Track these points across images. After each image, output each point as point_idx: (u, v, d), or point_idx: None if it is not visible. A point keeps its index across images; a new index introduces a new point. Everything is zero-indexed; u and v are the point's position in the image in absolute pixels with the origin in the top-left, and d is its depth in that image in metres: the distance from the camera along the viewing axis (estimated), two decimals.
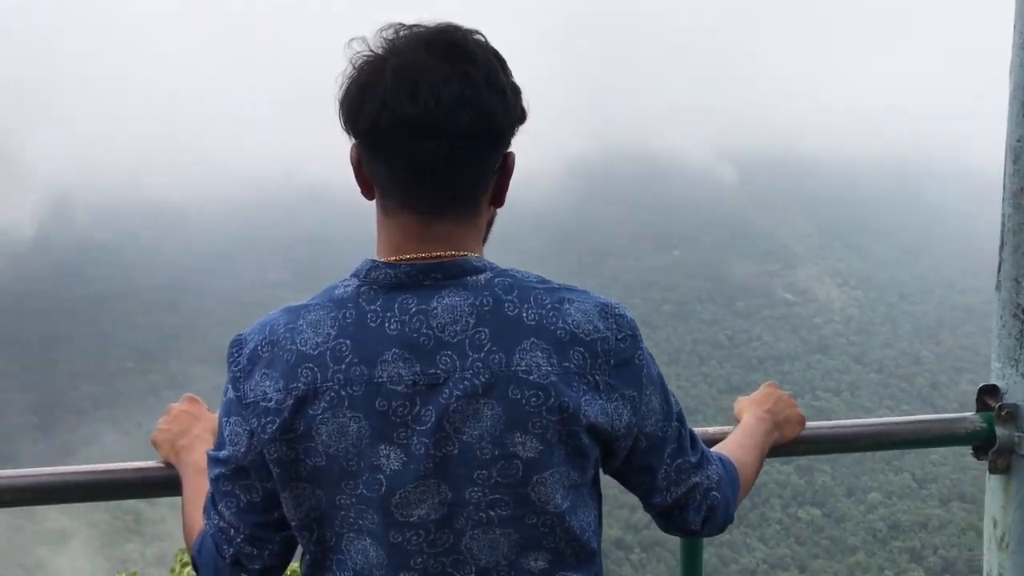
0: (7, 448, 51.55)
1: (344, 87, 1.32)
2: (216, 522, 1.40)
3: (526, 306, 1.31)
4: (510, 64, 1.36)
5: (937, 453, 48.00)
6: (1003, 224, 1.90)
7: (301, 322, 1.32)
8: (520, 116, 1.36)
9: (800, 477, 48.88)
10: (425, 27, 1.32)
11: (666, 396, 1.42)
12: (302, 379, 1.29)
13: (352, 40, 1.32)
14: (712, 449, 1.57)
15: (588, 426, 1.31)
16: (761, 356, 64.84)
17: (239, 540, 1.39)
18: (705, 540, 1.86)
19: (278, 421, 1.30)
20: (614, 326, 1.34)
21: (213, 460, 1.40)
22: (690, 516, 1.47)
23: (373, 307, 1.31)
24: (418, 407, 1.28)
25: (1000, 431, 1.91)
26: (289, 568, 1.48)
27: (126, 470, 1.73)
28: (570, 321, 1.32)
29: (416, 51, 1.28)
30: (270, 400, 1.30)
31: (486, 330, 1.29)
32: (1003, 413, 1.90)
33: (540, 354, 1.29)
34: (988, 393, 1.95)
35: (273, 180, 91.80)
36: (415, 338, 1.29)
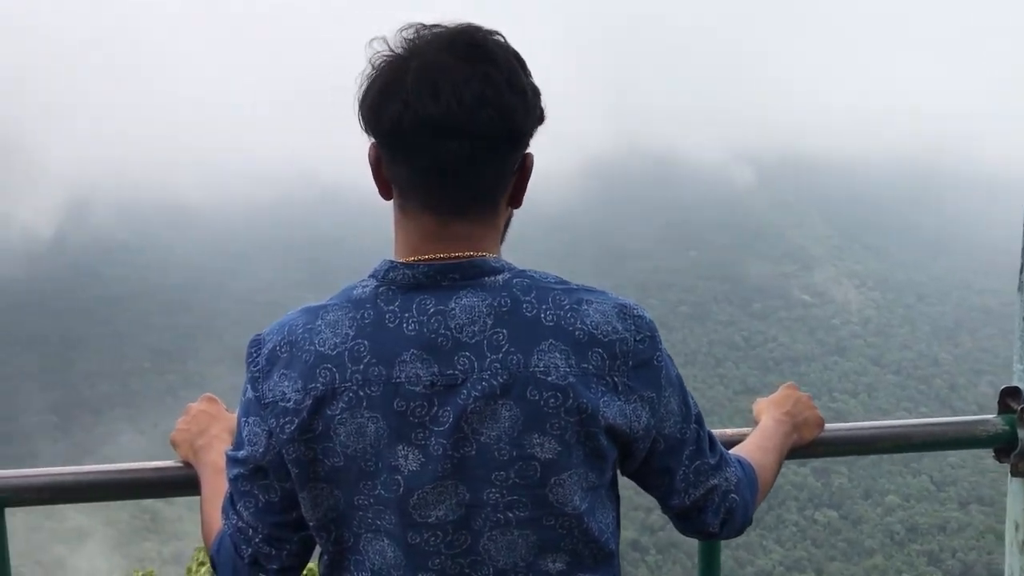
0: (27, 447, 52.00)
1: (364, 87, 1.32)
2: (235, 522, 1.40)
3: (544, 307, 1.31)
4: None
5: (956, 456, 47.74)
6: None
7: (319, 322, 1.32)
8: (539, 117, 1.35)
9: (817, 479, 48.69)
10: (446, 28, 1.32)
11: (685, 398, 1.42)
12: (320, 379, 1.29)
13: (372, 40, 1.32)
14: (731, 451, 1.56)
15: (606, 427, 1.31)
16: (778, 357, 64.60)
17: (257, 540, 1.39)
18: (722, 542, 1.85)
19: (296, 421, 1.30)
20: (633, 327, 1.34)
21: (232, 460, 1.40)
22: (708, 518, 1.47)
23: (391, 308, 1.31)
24: (436, 408, 1.28)
25: (1022, 433, 1.89)
26: (306, 568, 1.49)
27: (145, 469, 1.74)
28: (588, 322, 1.31)
29: (438, 52, 1.28)
30: (289, 400, 1.31)
31: (504, 331, 1.29)
32: None
33: (558, 355, 1.29)
34: (1010, 395, 1.93)
35: (290, 180, 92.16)
36: (433, 339, 1.29)
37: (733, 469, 1.49)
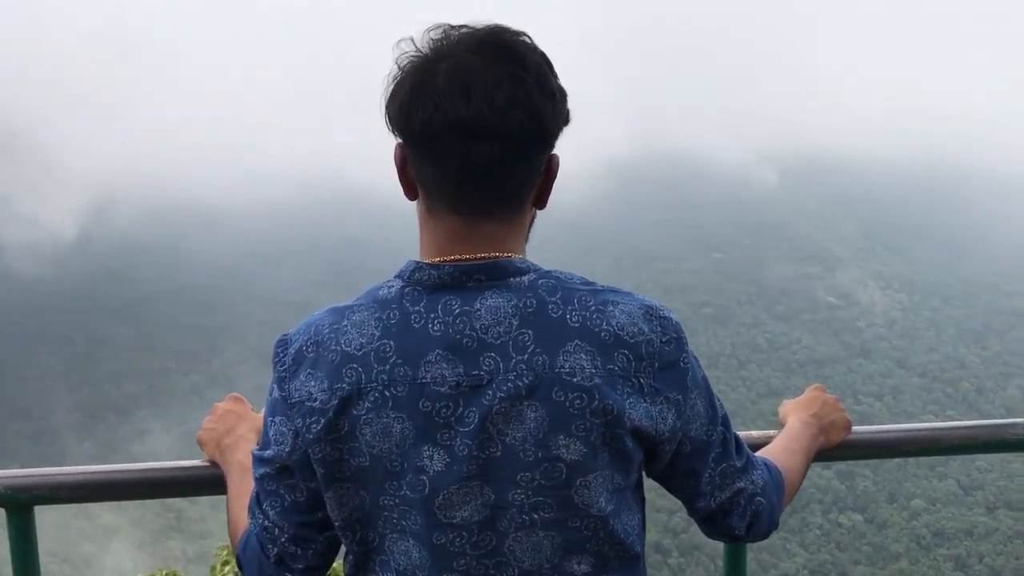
0: (54, 446, 52.55)
1: (392, 88, 1.32)
2: (261, 521, 1.41)
3: (570, 308, 1.31)
4: None
5: (983, 459, 47.23)
6: None
7: (345, 323, 1.33)
8: (566, 118, 1.35)
9: (841, 482, 48.30)
10: (474, 29, 1.32)
11: (711, 400, 1.41)
12: (347, 379, 1.30)
13: (400, 41, 1.32)
14: (757, 454, 1.55)
15: (632, 429, 1.30)
16: (801, 360, 64.13)
17: (283, 540, 1.40)
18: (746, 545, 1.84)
19: (323, 421, 1.31)
20: (659, 328, 1.33)
21: (258, 459, 1.41)
22: (734, 521, 1.46)
23: (417, 308, 1.31)
24: (461, 408, 1.28)
25: None
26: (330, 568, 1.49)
27: (173, 468, 1.75)
28: (614, 323, 1.31)
29: (467, 53, 1.28)
30: (315, 400, 1.31)
31: (530, 332, 1.29)
32: None
33: (584, 356, 1.28)
34: None
35: (315, 181, 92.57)
36: (458, 339, 1.29)
37: (759, 472, 1.48)
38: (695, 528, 1.53)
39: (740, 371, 61.87)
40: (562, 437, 1.28)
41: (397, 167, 1.37)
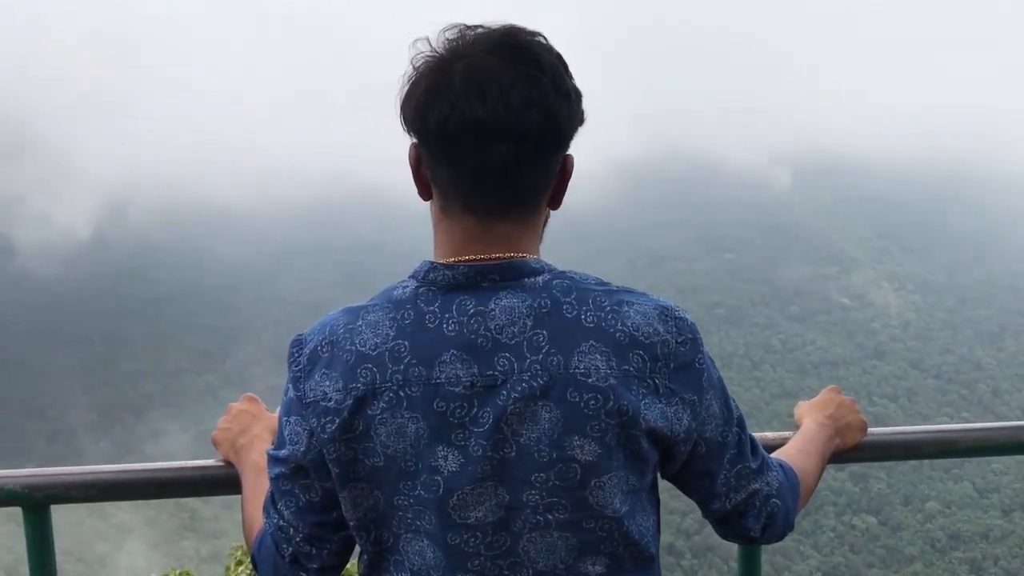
0: (70, 445, 52.88)
1: (408, 88, 1.32)
2: (276, 521, 1.41)
3: (585, 308, 1.30)
4: None
5: (999, 462, 46.94)
6: None
7: (360, 323, 1.33)
8: (581, 119, 1.35)
9: (855, 484, 48.09)
10: (489, 29, 1.32)
11: (727, 401, 1.41)
12: (361, 379, 1.30)
13: (416, 40, 1.32)
14: (772, 455, 1.55)
15: (647, 430, 1.30)
16: (815, 361, 63.90)
17: (298, 539, 1.40)
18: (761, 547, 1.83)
19: (338, 421, 1.31)
20: (674, 329, 1.33)
21: (273, 459, 1.41)
22: (749, 523, 1.46)
23: (431, 308, 1.31)
24: (476, 409, 1.28)
25: None
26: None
27: (188, 468, 1.76)
28: (629, 324, 1.30)
29: (483, 54, 1.28)
30: (330, 400, 1.31)
31: (544, 332, 1.29)
32: None
33: (599, 357, 1.28)
34: None
35: (328, 182, 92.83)
36: (473, 339, 1.29)
37: (775, 473, 1.48)
38: (708, 530, 1.53)
39: (753, 372, 61.70)
40: (577, 438, 1.28)
41: (411, 167, 1.37)
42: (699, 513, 1.48)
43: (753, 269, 75.47)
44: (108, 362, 63.08)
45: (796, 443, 1.67)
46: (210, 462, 1.75)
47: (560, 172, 1.37)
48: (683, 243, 79.41)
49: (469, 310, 1.30)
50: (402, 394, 1.29)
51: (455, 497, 1.29)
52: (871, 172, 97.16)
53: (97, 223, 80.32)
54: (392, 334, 1.31)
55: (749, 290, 72.48)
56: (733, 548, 1.84)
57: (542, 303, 1.30)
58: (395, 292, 1.35)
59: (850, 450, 1.79)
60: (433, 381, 1.28)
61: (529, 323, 1.29)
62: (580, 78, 1.36)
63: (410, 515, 1.32)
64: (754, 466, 1.44)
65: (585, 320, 1.30)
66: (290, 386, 1.37)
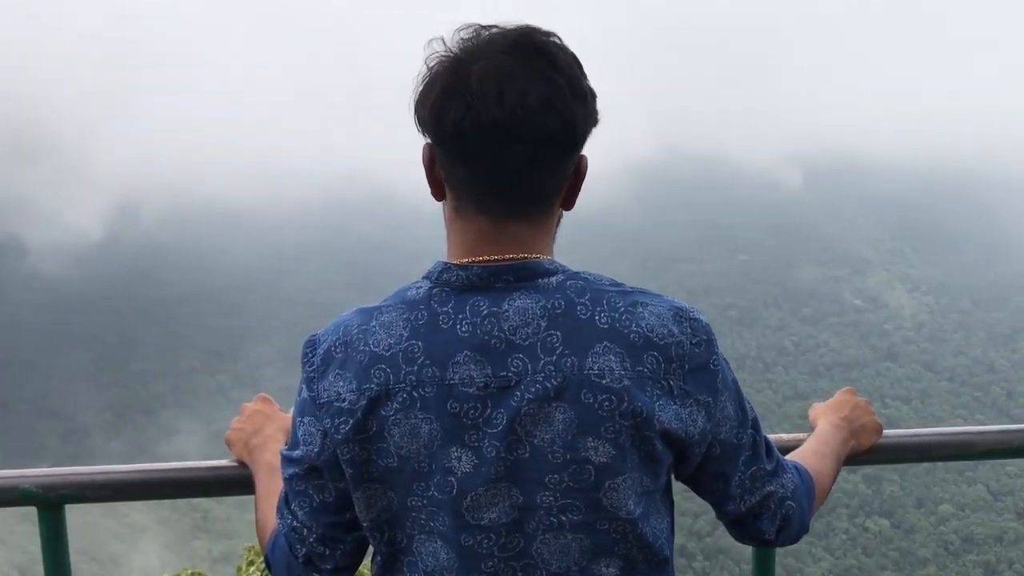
0: (83, 445, 53.14)
1: (423, 89, 1.31)
2: (289, 521, 1.41)
3: (599, 309, 1.30)
4: None
5: (1013, 464, 46.60)
6: None
7: (374, 323, 1.33)
8: (595, 119, 1.35)
9: (868, 486, 47.89)
10: (505, 29, 1.31)
11: (741, 402, 1.40)
12: (375, 380, 1.30)
13: (431, 40, 1.32)
14: (787, 457, 1.54)
15: (662, 432, 1.29)
16: (828, 363, 63.65)
17: (312, 540, 1.40)
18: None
19: (351, 421, 1.31)
20: (689, 330, 1.32)
21: (287, 459, 1.41)
22: (764, 525, 1.45)
23: (445, 309, 1.31)
24: (489, 410, 1.28)
25: None
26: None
27: (201, 468, 1.76)
28: (644, 325, 1.30)
29: (500, 54, 1.27)
30: (344, 400, 1.31)
31: (558, 333, 1.28)
32: None
33: (613, 358, 1.28)
34: None
35: (338, 182, 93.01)
36: (486, 340, 1.28)
37: (790, 475, 1.47)
38: (720, 532, 1.53)
39: (766, 374, 61.52)
40: (591, 439, 1.27)
41: (425, 167, 1.37)
42: (712, 515, 1.47)
43: (765, 271, 75.25)
44: (120, 362, 63.36)
45: (811, 445, 1.66)
46: (223, 462, 1.75)
47: (574, 173, 1.36)
48: (694, 244, 79.26)
49: (483, 311, 1.30)
50: (416, 395, 1.29)
51: (469, 498, 1.29)
52: (884, 173, 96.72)
53: (109, 224, 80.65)
54: (406, 335, 1.31)
55: (761, 292, 72.26)
56: (745, 550, 1.83)
57: (556, 304, 1.29)
58: (409, 293, 1.34)
59: (865, 452, 1.77)
60: (447, 382, 1.28)
61: (543, 324, 1.28)
62: (593, 78, 1.35)
63: (423, 516, 1.32)
64: (769, 468, 1.43)
65: (599, 321, 1.29)
66: (304, 386, 1.37)
